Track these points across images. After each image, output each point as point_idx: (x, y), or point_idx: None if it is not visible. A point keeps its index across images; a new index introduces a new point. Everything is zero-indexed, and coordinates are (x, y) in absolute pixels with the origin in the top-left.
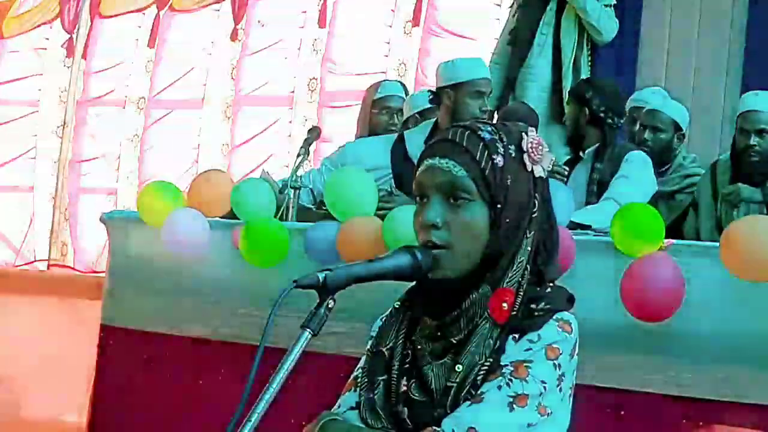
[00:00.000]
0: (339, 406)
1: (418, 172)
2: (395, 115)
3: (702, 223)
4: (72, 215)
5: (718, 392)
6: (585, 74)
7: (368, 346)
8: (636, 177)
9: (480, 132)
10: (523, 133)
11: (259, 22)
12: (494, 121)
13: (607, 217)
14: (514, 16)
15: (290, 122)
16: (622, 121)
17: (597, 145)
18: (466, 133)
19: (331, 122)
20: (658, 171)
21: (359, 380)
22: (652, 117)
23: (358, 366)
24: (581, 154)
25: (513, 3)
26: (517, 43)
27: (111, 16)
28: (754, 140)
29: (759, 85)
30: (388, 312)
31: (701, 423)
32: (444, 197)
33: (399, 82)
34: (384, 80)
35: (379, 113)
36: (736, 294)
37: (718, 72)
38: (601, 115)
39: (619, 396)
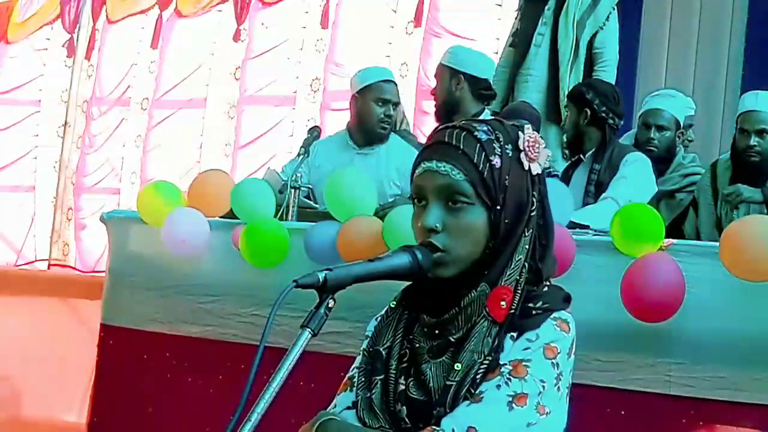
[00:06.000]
0: (335, 406)
1: (415, 175)
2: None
3: (702, 223)
4: (74, 215)
5: (718, 392)
6: (579, 75)
7: (363, 346)
8: (635, 178)
9: (476, 132)
10: (520, 131)
11: (262, 24)
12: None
13: (606, 218)
14: (517, 17)
15: (293, 122)
16: (621, 122)
17: (597, 146)
18: (463, 134)
19: (334, 122)
20: (660, 170)
21: (355, 380)
22: (656, 115)
23: (353, 366)
24: (582, 156)
25: (518, 5)
26: (518, 43)
27: (115, 21)
28: (754, 140)
29: (759, 85)
30: (383, 312)
31: (701, 423)
32: (442, 201)
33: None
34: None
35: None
36: (736, 294)
37: (718, 72)
38: (603, 116)
39: (619, 396)
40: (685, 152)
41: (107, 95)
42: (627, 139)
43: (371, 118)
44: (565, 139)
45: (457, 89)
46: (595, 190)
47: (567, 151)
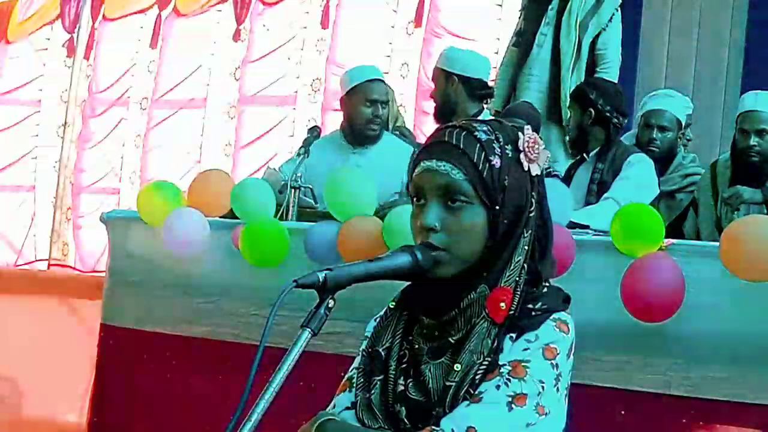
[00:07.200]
0: (334, 407)
1: (414, 174)
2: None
3: (702, 223)
4: (74, 215)
5: (718, 392)
6: (581, 75)
7: (363, 347)
8: (638, 179)
9: (476, 132)
10: (520, 132)
11: (264, 26)
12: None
13: (606, 218)
14: (520, 17)
15: (293, 122)
16: (626, 120)
17: (601, 146)
18: (463, 133)
19: (335, 122)
20: (661, 170)
21: (355, 380)
22: (658, 116)
23: (352, 366)
24: (585, 156)
25: (522, 5)
26: (520, 43)
27: (114, 19)
28: (754, 140)
29: (759, 85)
30: (382, 312)
31: (701, 423)
32: (441, 200)
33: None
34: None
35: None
36: (736, 294)
37: (718, 72)
38: (607, 115)
39: (619, 396)
40: (684, 152)
41: (106, 95)
42: (626, 139)
43: (360, 120)
44: (567, 139)
45: (453, 91)
46: (598, 189)
47: (571, 150)
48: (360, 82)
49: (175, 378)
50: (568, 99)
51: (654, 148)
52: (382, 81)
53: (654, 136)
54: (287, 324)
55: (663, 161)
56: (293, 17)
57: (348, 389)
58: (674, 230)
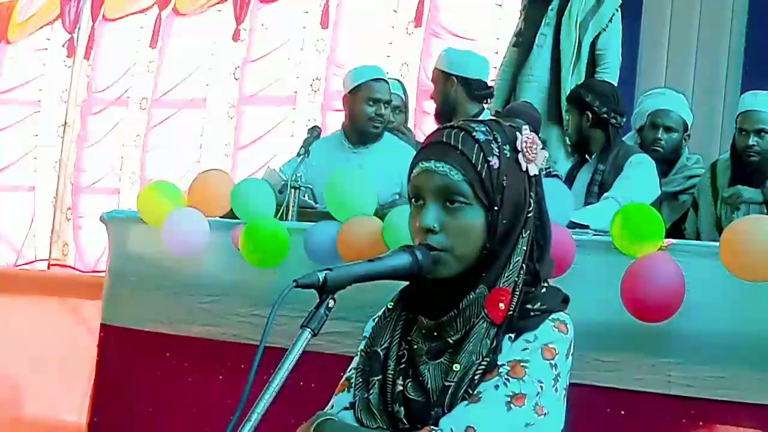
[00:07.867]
0: (332, 407)
1: (412, 175)
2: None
3: (702, 223)
4: (74, 215)
5: (718, 392)
6: (581, 76)
7: (361, 347)
8: (639, 179)
9: (474, 133)
10: (517, 132)
11: (263, 25)
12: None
13: (606, 217)
14: (521, 17)
15: (293, 122)
16: (624, 119)
17: (602, 147)
18: (461, 134)
19: (335, 122)
20: (663, 171)
21: (353, 380)
22: (665, 116)
23: (351, 366)
24: (588, 157)
25: (522, 5)
26: (521, 44)
27: (114, 19)
28: (753, 140)
29: (759, 85)
30: (381, 312)
31: (701, 423)
32: (440, 201)
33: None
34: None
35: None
36: (736, 294)
37: (718, 72)
38: (605, 116)
39: (619, 396)
40: (688, 153)
41: (106, 94)
42: (627, 141)
43: (362, 118)
44: (568, 143)
45: (452, 92)
46: (599, 190)
47: (571, 149)
48: (363, 81)
49: (175, 378)
50: None
51: (658, 148)
52: (385, 81)
53: (659, 136)
54: (287, 324)
55: (667, 162)
56: (293, 17)
57: (346, 389)
58: (675, 230)
